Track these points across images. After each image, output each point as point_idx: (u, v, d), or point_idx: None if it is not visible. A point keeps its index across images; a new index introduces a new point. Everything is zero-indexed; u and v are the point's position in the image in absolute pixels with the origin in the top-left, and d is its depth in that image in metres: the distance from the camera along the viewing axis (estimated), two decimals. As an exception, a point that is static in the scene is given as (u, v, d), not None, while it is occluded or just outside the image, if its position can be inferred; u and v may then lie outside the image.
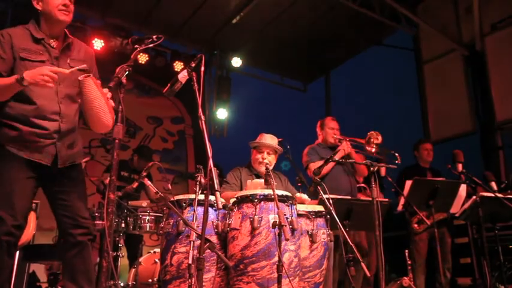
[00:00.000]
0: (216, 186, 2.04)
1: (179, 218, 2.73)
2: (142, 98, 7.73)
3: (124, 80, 2.15)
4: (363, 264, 2.79)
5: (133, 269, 4.03)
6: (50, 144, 2.38)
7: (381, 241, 2.86)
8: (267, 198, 2.74)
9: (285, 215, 2.62)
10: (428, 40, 7.67)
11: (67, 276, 2.46)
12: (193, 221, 2.64)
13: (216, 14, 7.26)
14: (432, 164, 4.95)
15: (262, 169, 3.50)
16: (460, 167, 3.94)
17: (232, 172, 3.64)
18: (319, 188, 3.10)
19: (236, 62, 8.30)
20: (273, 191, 2.60)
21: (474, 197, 3.77)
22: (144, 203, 4.08)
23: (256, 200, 2.74)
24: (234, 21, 7.39)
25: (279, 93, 10.98)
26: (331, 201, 2.98)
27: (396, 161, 3.88)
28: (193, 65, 2.37)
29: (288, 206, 2.79)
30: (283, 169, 4.05)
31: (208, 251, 2.20)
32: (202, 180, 2.69)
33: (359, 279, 3.94)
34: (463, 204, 3.87)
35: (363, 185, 4.78)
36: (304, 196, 3.38)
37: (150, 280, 3.85)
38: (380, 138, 4.12)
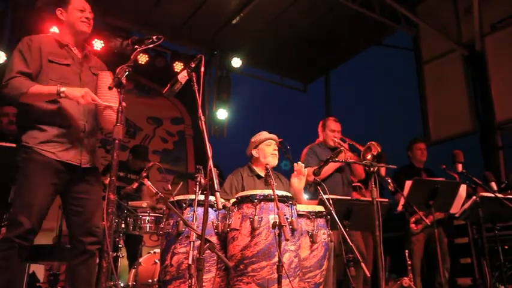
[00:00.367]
0: (216, 186, 2.04)
1: (179, 219, 2.73)
2: (142, 98, 7.73)
3: (124, 81, 2.16)
4: (363, 264, 2.79)
5: (134, 270, 4.03)
6: (77, 143, 2.49)
7: (380, 241, 2.86)
8: (267, 199, 2.74)
9: (285, 215, 2.62)
10: (428, 40, 7.67)
11: (69, 282, 2.51)
12: (193, 221, 2.64)
13: (215, 14, 7.26)
14: (432, 164, 4.95)
15: (276, 161, 3.49)
16: (460, 167, 3.94)
17: (232, 176, 3.56)
18: (319, 188, 3.10)
19: (236, 62, 8.30)
20: (273, 191, 2.60)
21: (474, 197, 3.77)
22: (144, 204, 4.08)
23: (256, 201, 2.73)
24: (234, 21, 7.39)
25: (279, 93, 10.99)
26: (331, 201, 2.98)
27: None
28: (193, 65, 2.37)
29: (288, 206, 2.78)
30: (283, 169, 4.05)
31: (208, 251, 2.20)
32: (202, 181, 2.69)
33: (359, 279, 3.93)
34: (463, 204, 3.87)
35: (358, 184, 4.78)
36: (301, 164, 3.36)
37: (150, 280, 3.85)
38: (379, 150, 4.11)
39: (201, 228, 2.12)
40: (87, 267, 2.47)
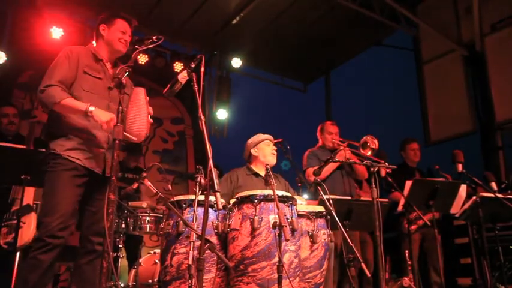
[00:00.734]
0: (216, 186, 2.04)
1: (179, 219, 2.73)
2: (142, 98, 7.71)
3: (124, 81, 2.17)
4: (363, 264, 2.79)
5: (134, 270, 4.03)
6: (101, 153, 2.62)
7: (381, 241, 2.86)
8: (267, 199, 2.74)
9: (285, 215, 2.62)
10: (428, 40, 7.67)
11: (75, 282, 2.61)
12: (193, 221, 2.64)
13: (216, 14, 7.26)
14: (432, 164, 4.94)
15: (275, 161, 3.51)
16: (460, 167, 3.93)
17: (228, 175, 3.57)
18: (319, 188, 3.10)
19: (236, 62, 8.29)
20: (273, 191, 2.60)
21: (474, 197, 3.77)
22: (144, 204, 4.08)
23: (256, 201, 2.74)
24: (234, 21, 7.39)
25: (279, 93, 10.99)
26: (331, 201, 2.98)
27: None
28: (193, 65, 2.38)
29: (288, 206, 2.78)
30: (283, 169, 4.06)
31: (209, 251, 2.20)
32: (202, 181, 2.69)
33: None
34: (463, 204, 3.87)
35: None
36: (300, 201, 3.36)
37: (150, 281, 3.85)
38: (376, 143, 4.12)
39: (201, 228, 2.12)
40: (93, 267, 2.55)
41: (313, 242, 2.94)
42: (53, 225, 2.40)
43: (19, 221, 3.27)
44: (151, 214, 4.09)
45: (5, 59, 6.02)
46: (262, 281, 2.58)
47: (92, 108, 2.43)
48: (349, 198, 3.74)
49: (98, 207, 2.59)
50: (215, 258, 2.72)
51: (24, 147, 3.52)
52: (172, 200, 2.86)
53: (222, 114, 8.46)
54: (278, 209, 2.48)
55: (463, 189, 3.88)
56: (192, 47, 8.22)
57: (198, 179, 2.70)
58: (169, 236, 2.84)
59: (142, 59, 7.29)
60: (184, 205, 2.87)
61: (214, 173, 2.05)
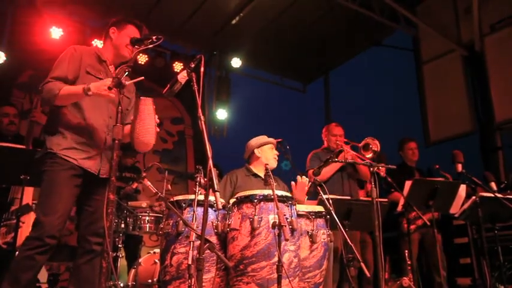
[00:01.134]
0: (216, 186, 2.04)
1: (179, 219, 2.73)
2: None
3: (124, 81, 2.17)
4: (362, 264, 2.80)
5: (133, 270, 4.03)
6: (97, 154, 2.59)
7: (380, 241, 2.87)
8: (266, 199, 2.74)
9: (284, 215, 2.62)
10: (427, 40, 7.67)
11: (73, 282, 2.58)
12: (192, 221, 2.64)
13: (215, 14, 7.26)
14: (431, 164, 4.94)
15: (275, 165, 3.51)
16: (459, 167, 3.93)
17: (227, 176, 3.57)
18: (318, 188, 3.11)
19: (236, 62, 8.30)
20: (273, 191, 2.60)
21: (474, 197, 3.77)
22: (144, 204, 4.08)
23: (255, 201, 2.74)
24: (234, 21, 7.39)
25: (278, 93, 10.98)
26: (330, 201, 2.98)
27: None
28: (192, 65, 2.37)
29: (288, 206, 2.79)
30: (284, 169, 4.05)
31: (208, 251, 2.20)
32: (202, 181, 2.69)
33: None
34: (463, 204, 3.87)
35: None
36: (305, 178, 3.36)
37: (149, 280, 3.85)
38: (378, 144, 4.12)
39: (200, 228, 2.12)
40: (91, 267, 2.53)
41: (312, 242, 2.94)
42: (54, 225, 2.38)
43: (18, 221, 3.28)
44: (150, 214, 4.09)
45: (5, 58, 6.03)
46: (262, 280, 2.58)
47: (88, 86, 2.40)
48: (348, 198, 3.74)
49: (96, 206, 2.58)
50: (215, 258, 2.72)
51: (24, 147, 3.52)
52: (171, 199, 2.86)
53: (221, 114, 8.46)
54: (278, 208, 2.48)
55: (462, 189, 3.88)
56: (191, 47, 8.22)
57: (198, 178, 2.70)
58: (169, 235, 2.84)
59: (142, 59, 7.29)
60: (183, 205, 2.87)
61: (214, 172, 2.05)
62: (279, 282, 2.43)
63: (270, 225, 2.62)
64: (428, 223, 3.65)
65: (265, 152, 3.57)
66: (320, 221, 3.04)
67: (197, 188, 2.69)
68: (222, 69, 8.59)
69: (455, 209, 3.89)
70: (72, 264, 2.66)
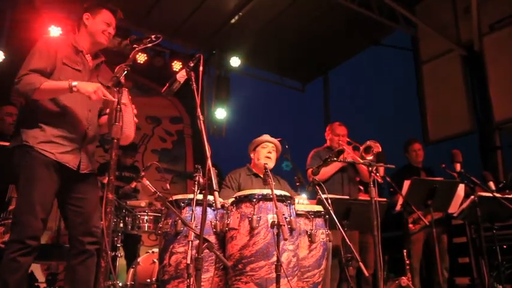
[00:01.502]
0: (215, 186, 2.04)
1: (177, 218, 2.73)
2: (140, 97, 7.70)
3: (123, 80, 2.16)
4: (361, 264, 2.80)
5: (132, 269, 4.03)
6: (76, 148, 2.49)
7: (379, 241, 2.87)
8: (265, 198, 2.74)
9: (283, 214, 2.62)
10: (426, 40, 7.67)
11: (68, 283, 2.51)
12: (191, 220, 2.64)
13: (214, 13, 7.25)
14: (431, 163, 4.95)
15: (270, 164, 3.51)
16: (458, 166, 3.93)
17: (230, 174, 3.64)
18: (317, 188, 3.11)
19: (235, 61, 8.29)
20: (272, 190, 2.60)
21: (472, 196, 3.77)
22: (143, 203, 4.08)
23: (254, 200, 2.74)
24: (233, 21, 7.39)
25: (277, 93, 10.98)
26: (329, 201, 2.98)
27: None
28: (191, 64, 2.38)
29: (287, 205, 2.79)
30: (285, 169, 4.06)
31: (207, 250, 2.20)
32: (201, 180, 2.68)
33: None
34: (461, 204, 3.87)
35: (359, 186, 4.77)
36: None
37: (148, 280, 3.85)
38: (379, 147, 4.12)
39: (199, 227, 2.12)
40: (86, 267, 2.47)
41: (311, 242, 2.94)
42: (34, 225, 2.29)
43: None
44: (149, 213, 4.09)
45: (3, 57, 6.02)
46: (261, 280, 2.58)
47: (74, 83, 2.32)
48: (347, 197, 3.74)
49: (83, 206, 2.50)
50: (213, 257, 2.72)
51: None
52: (170, 199, 2.86)
53: (220, 113, 8.46)
54: (276, 208, 2.48)
55: (461, 188, 3.89)
56: (190, 46, 8.21)
57: (197, 178, 2.70)
58: (168, 235, 2.84)
59: (141, 58, 7.29)
60: (182, 204, 2.87)
61: (213, 172, 2.05)
62: (277, 282, 2.43)
63: (269, 225, 2.62)
64: (427, 223, 3.65)
65: (258, 153, 3.65)
66: (319, 221, 3.04)
67: (196, 188, 2.69)
68: (221, 68, 8.58)
69: (454, 208, 3.89)
70: (66, 265, 2.58)
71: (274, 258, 2.55)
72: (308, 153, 4.49)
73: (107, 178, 2.02)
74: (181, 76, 2.40)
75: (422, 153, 4.90)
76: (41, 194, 2.34)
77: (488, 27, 6.83)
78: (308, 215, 3.00)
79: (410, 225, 4.52)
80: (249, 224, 2.67)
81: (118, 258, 4.00)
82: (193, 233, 2.45)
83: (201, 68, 2.35)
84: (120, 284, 3.94)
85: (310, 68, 9.22)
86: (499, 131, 6.72)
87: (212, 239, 2.77)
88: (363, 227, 3.80)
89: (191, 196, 2.74)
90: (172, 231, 2.80)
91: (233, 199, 2.88)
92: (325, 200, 2.98)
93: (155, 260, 3.88)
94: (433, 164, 4.95)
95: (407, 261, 4.19)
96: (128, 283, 3.95)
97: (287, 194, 2.88)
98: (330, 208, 2.95)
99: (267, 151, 3.59)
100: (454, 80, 7.23)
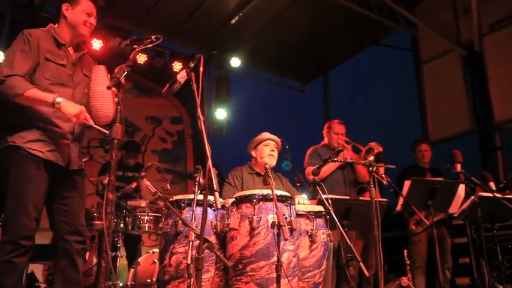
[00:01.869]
0: (215, 186, 2.04)
1: (178, 218, 2.73)
2: (141, 98, 7.72)
3: (123, 80, 2.16)
4: (361, 264, 2.80)
5: (132, 269, 4.03)
6: (65, 145, 2.45)
7: (379, 241, 2.87)
8: (265, 198, 2.74)
9: (283, 215, 2.62)
10: (426, 40, 7.67)
11: (57, 282, 2.46)
12: (192, 221, 2.64)
13: (215, 14, 7.26)
14: (431, 164, 4.95)
15: (273, 162, 3.51)
16: (458, 167, 3.93)
17: (233, 172, 3.63)
18: (318, 188, 3.10)
19: (235, 62, 8.29)
20: (272, 191, 2.60)
21: (473, 197, 3.77)
22: (143, 203, 4.08)
23: (255, 200, 2.74)
24: (233, 21, 7.39)
25: (277, 93, 10.98)
26: (329, 201, 2.98)
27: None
28: (192, 65, 2.37)
29: (287, 206, 2.79)
30: (284, 169, 4.06)
31: (207, 251, 2.20)
32: (201, 181, 2.69)
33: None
34: (462, 204, 3.87)
35: (363, 186, 4.76)
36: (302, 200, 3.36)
37: (148, 280, 3.84)
38: (381, 149, 4.11)
39: (199, 227, 2.12)
40: (75, 268, 2.43)
41: (312, 242, 2.94)
42: (27, 225, 2.27)
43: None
44: (149, 213, 4.09)
45: (4, 58, 6.02)
46: (261, 280, 2.58)
47: (59, 100, 2.27)
48: (347, 197, 3.74)
49: (70, 204, 2.47)
50: (214, 257, 2.72)
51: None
52: (171, 199, 2.86)
53: (220, 113, 8.46)
54: (277, 208, 2.48)
55: (461, 189, 3.89)
56: (191, 47, 8.22)
57: (197, 178, 2.70)
58: (168, 235, 2.84)
59: (141, 58, 7.29)
60: (183, 204, 2.87)
61: (213, 172, 2.05)
62: (278, 282, 2.43)
63: (269, 225, 2.62)
64: (427, 223, 3.65)
65: (260, 151, 3.61)
66: (320, 221, 3.04)
67: (196, 188, 2.69)
68: (222, 68, 8.59)
69: (454, 208, 3.89)
70: (54, 265, 2.50)
71: (275, 259, 2.55)
72: (307, 150, 4.45)
73: (107, 178, 2.02)
74: (182, 77, 2.40)
75: (429, 154, 4.91)
76: (33, 193, 2.32)
77: (489, 28, 6.83)
78: (309, 215, 3.00)
79: (413, 226, 4.53)
80: (249, 224, 2.67)
81: (119, 259, 4.00)
82: (193, 233, 2.46)
83: (201, 69, 2.35)
84: (121, 284, 3.94)
85: (310, 68, 9.22)
86: (499, 131, 6.72)
87: (212, 239, 2.77)
88: (363, 227, 3.80)
89: (191, 196, 2.74)
90: (172, 232, 2.80)
91: (233, 199, 2.88)
92: (325, 200, 2.98)
93: (155, 260, 3.88)
94: (433, 164, 4.96)
95: (408, 262, 4.19)
96: (129, 283, 3.95)
97: (287, 194, 2.88)
98: (330, 208, 2.95)
99: (269, 149, 3.57)
100: (454, 80, 7.23)
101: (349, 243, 2.84)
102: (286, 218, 2.68)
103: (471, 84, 7.14)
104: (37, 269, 4.91)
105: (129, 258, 4.64)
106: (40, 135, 2.37)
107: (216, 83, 8.56)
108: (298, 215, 2.93)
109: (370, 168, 3.01)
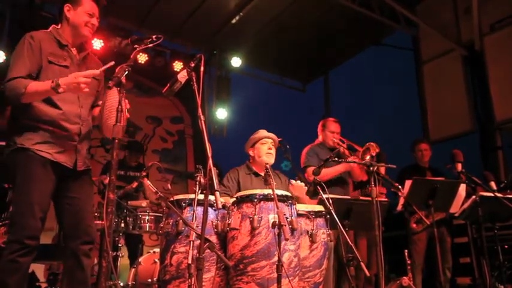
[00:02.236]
0: (216, 186, 2.04)
1: (179, 218, 2.73)
2: (141, 97, 7.72)
3: (123, 80, 2.16)
4: (362, 264, 2.79)
5: (133, 269, 4.03)
6: (72, 146, 2.47)
7: (380, 240, 2.86)
8: (266, 198, 2.74)
9: (284, 214, 2.62)
10: (427, 40, 7.67)
11: (65, 283, 2.48)
12: (192, 220, 2.64)
13: (215, 13, 7.26)
14: (431, 163, 4.95)
15: (271, 160, 3.49)
16: (459, 166, 3.93)
17: (229, 174, 3.61)
18: (318, 187, 3.10)
19: (236, 61, 8.30)
20: (273, 190, 2.60)
21: (474, 196, 3.77)
22: (144, 203, 4.08)
23: (255, 200, 2.74)
24: (234, 21, 7.40)
25: (278, 93, 10.98)
26: (330, 200, 2.98)
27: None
28: (192, 64, 2.37)
29: (288, 205, 2.78)
30: (284, 169, 4.04)
31: (208, 250, 2.20)
32: (202, 180, 2.69)
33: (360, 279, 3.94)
34: (463, 204, 3.87)
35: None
36: (300, 183, 3.35)
37: (149, 280, 3.85)
38: (378, 150, 4.10)
39: (200, 227, 2.12)
40: (82, 269, 2.45)
41: (312, 242, 2.94)
42: (33, 225, 2.29)
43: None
44: (150, 213, 4.09)
45: (5, 58, 6.03)
46: (262, 280, 2.58)
47: (59, 82, 2.26)
48: (348, 197, 3.74)
49: (77, 205, 2.48)
50: (215, 257, 2.72)
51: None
52: (172, 199, 2.86)
53: (221, 113, 8.47)
54: (277, 208, 2.48)
55: (462, 188, 3.88)
56: (191, 46, 8.22)
57: (198, 178, 2.70)
58: (169, 235, 2.84)
59: (142, 58, 7.30)
60: (183, 204, 2.87)
61: (214, 172, 2.04)
62: (278, 282, 2.43)
63: (270, 225, 2.62)
64: (428, 223, 3.65)
65: (258, 150, 3.58)
66: (320, 221, 3.04)
67: (197, 188, 2.69)
68: (222, 68, 8.59)
69: (455, 208, 3.88)
70: (63, 266, 2.53)
71: (276, 258, 2.54)
72: (304, 148, 4.40)
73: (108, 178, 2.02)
74: (182, 76, 2.40)
75: (428, 153, 4.90)
76: (39, 193, 2.33)
77: (489, 27, 6.83)
78: (309, 215, 3.00)
79: (414, 225, 4.53)
80: (250, 224, 2.67)
81: (120, 258, 4.00)
82: (194, 233, 2.46)
83: (201, 68, 2.35)
84: (122, 284, 3.94)
85: (311, 68, 9.22)
86: (500, 131, 6.72)
87: (213, 239, 2.77)
88: (364, 227, 3.80)
89: (192, 196, 2.74)
90: (173, 231, 2.81)
91: (234, 199, 2.88)
92: (326, 200, 2.97)
93: (156, 260, 3.89)
94: (433, 164, 4.96)
95: (409, 261, 4.19)
96: (129, 283, 3.96)
97: (288, 194, 2.88)
98: (330, 208, 2.94)
99: (267, 147, 3.55)
100: (454, 80, 7.23)
101: (350, 243, 2.84)
102: (287, 218, 2.68)
103: (472, 83, 7.14)
104: (38, 269, 4.91)
105: (130, 258, 4.64)
106: (48, 137, 2.40)
107: (217, 82, 8.56)
108: (299, 215, 2.92)
109: (372, 169, 3.00)
